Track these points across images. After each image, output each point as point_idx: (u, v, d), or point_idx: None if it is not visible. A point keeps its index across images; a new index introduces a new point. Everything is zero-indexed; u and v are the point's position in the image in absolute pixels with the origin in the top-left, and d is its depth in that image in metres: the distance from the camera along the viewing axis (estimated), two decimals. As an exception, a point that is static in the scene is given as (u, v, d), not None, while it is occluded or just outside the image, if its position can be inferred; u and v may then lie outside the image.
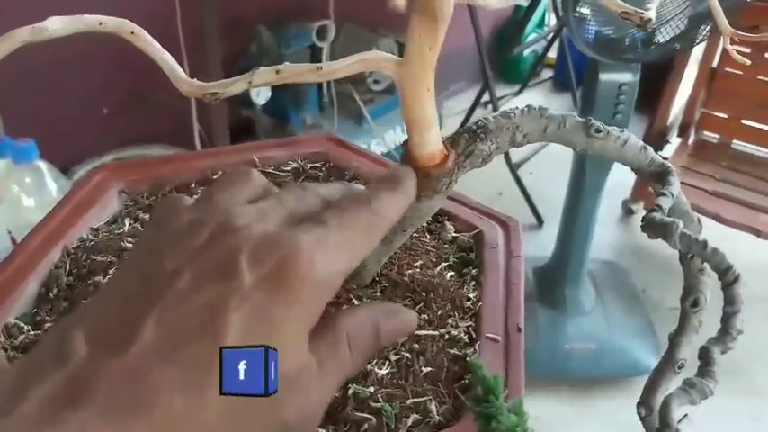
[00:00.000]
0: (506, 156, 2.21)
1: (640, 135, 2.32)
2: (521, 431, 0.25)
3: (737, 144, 2.18)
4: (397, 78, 0.34)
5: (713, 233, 1.79)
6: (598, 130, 0.37)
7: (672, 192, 0.36)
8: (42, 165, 1.24)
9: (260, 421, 0.24)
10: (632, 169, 0.39)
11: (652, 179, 0.38)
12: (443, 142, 0.36)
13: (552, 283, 1.86)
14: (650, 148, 0.38)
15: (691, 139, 2.21)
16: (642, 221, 0.34)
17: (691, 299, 0.38)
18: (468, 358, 0.37)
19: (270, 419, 0.24)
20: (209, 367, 0.23)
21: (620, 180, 1.98)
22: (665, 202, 0.35)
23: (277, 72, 0.34)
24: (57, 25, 0.34)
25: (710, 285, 0.37)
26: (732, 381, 1.65)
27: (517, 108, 0.37)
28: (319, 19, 1.91)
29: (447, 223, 0.49)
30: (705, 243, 0.32)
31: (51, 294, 0.43)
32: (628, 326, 1.81)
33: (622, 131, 0.37)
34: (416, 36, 0.32)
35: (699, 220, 0.38)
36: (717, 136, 2.21)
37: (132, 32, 0.36)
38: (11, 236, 1.18)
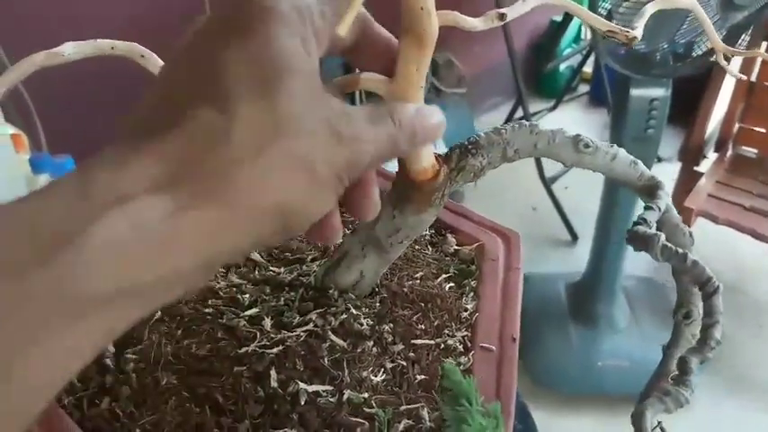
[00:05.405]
0: (540, 171, 2.20)
1: (677, 149, 2.29)
2: (489, 434, 0.26)
3: (776, 160, 2.13)
4: (387, 97, 0.35)
5: (752, 249, 1.76)
6: (587, 146, 0.38)
7: (659, 205, 0.37)
8: (80, 180, 1.29)
9: None
10: (623, 183, 0.40)
11: (642, 193, 0.39)
12: (436, 157, 0.38)
13: (586, 299, 1.84)
14: (640, 163, 0.39)
15: (728, 154, 2.17)
16: (627, 233, 0.35)
17: (683, 311, 0.38)
18: (443, 365, 0.38)
19: None
20: None
21: (655, 195, 1.95)
22: (651, 216, 0.36)
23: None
24: (71, 50, 0.36)
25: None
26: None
27: (508, 124, 0.39)
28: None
29: (449, 236, 0.50)
30: (685, 255, 0.33)
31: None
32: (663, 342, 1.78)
33: (611, 146, 0.38)
34: (405, 57, 0.34)
35: (690, 233, 0.39)
36: (755, 151, 2.17)
37: (142, 56, 0.38)
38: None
